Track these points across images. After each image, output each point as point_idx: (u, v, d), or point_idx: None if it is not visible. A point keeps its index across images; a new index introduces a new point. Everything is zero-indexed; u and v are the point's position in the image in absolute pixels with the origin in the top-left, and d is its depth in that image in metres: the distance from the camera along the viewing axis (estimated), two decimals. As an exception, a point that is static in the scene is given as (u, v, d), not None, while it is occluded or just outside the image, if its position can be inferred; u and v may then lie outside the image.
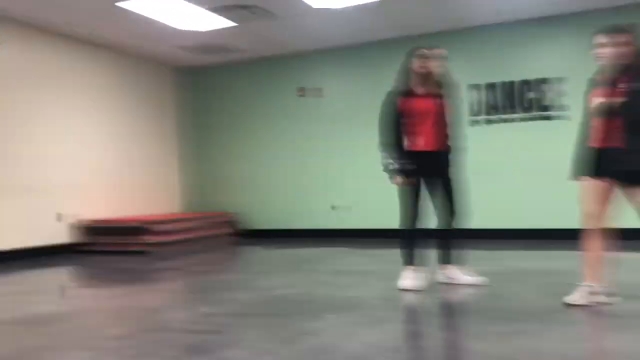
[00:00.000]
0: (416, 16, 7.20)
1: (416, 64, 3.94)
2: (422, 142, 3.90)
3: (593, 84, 3.23)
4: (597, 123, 3.12)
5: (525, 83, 7.41)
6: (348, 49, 8.40)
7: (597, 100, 3.09)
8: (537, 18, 7.31)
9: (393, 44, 8.07)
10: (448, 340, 2.55)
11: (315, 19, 7.17)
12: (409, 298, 3.61)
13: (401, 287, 3.78)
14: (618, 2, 6.81)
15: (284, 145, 8.84)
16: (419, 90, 3.95)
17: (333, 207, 8.45)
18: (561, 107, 7.16)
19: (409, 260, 3.89)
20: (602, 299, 3.06)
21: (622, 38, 3.09)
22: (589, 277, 3.15)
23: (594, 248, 3.17)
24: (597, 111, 3.09)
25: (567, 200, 6.96)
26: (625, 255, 5.11)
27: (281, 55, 8.79)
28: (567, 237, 6.92)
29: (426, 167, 3.89)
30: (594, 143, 3.13)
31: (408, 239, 3.92)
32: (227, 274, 5.15)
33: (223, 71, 9.26)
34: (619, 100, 3.02)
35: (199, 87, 9.46)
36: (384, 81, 8.21)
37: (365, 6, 6.66)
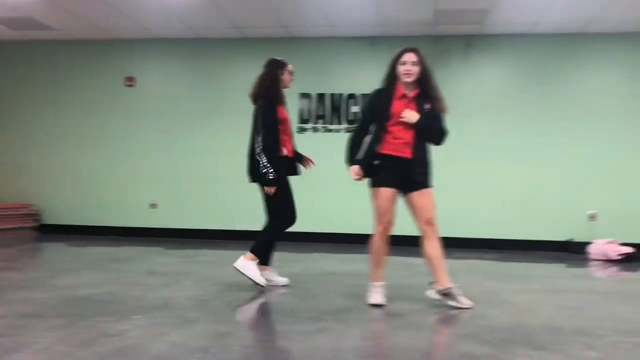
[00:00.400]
0: (250, 19, 7.28)
1: (287, 78, 4.19)
2: (287, 148, 4.19)
3: (386, 95, 3.49)
4: (393, 132, 3.42)
5: (351, 97, 7.88)
6: (177, 42, 8.18)
7: (407, 112, 3.39)
8: (367, 37, 7.82)
9: (228, 43, 8.06)
10: (255, 340, 2.58)
11: (146, 7, 6.89)
12: (220, 299, 3.59)
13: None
14: (435, 31, 7.57)
15: (98, 136, 8.29)
16: (282, 100, 4.22)
17: (152, 206, 8.12)
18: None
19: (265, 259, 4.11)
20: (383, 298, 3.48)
21: (421, 58, 3.47)
22: (377, 277, 3.54)
23: (381, 250, 3.54)
24: (399, 122, 3.40)
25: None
26: (401, 260, 5.66)
27: (105, 41, 8.25)
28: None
29: (288, 171, 4.18)
30: (386, 150, 3.43)
31: (274, 239, 4.16)
32: (23, 272, 4.64)
33: (33, 48, 8.44)
34: (416, 115, 3.38)
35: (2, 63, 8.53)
36: (213, 79, 8.20)
37: (199, 1, 6.59)
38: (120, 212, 8.16)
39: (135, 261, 5.40)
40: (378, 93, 3.58)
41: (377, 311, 3.29)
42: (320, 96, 7.92)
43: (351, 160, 3.58)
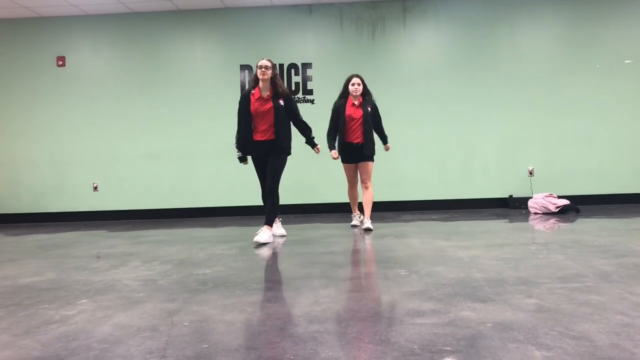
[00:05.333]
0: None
1: (258, 72, 4.99)
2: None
3: (341, 103, 5.73)
4: (350, 127, 5.69)
5: (293, 66, 7.80)
6: (109, 18, 7.85)
7: (354, 113, 5.68)
8: (305, 5, 7.73)
9: (161, 17, 7.78)
10: (206, 315, 2.57)
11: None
12: (171, 277, 3.55)
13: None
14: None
15: (30, 119, 7.94)
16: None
17: (95, 188, 7.88)
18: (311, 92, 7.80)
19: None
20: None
21: (362, 80, 5.73)
22: (354, 210, 6.12)
23: (352, 196, 6.04)
24: (352, 121, 5.68)
25: (329, 176, 7.61)
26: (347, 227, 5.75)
27: (32, 19, 7.83)
28: (322, 211, 7.55)
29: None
30: (348, 139, 5.71)
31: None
32: (-40, 265, 4.44)
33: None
34: (360, 115, 5.68)
35: None
36: (147, 54, 7.92)
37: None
38: (59, 197, 7.88)
39: (78, 246, 5.25)
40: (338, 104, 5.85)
41: (327, 277, 3.33)
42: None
43: (332, 146, 5.74)
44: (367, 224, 5.61)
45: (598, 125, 7.61)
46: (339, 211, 7.45)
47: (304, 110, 7.77)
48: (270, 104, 4.97)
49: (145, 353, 2.07)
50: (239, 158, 5.25)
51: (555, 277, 3.11)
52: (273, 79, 4.96)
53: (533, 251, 4.06)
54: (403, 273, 3.39)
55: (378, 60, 7.70)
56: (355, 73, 5.82)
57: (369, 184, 5.73)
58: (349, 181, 5.93)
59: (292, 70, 7.76)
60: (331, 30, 7.72)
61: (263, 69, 4.90)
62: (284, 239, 5.22)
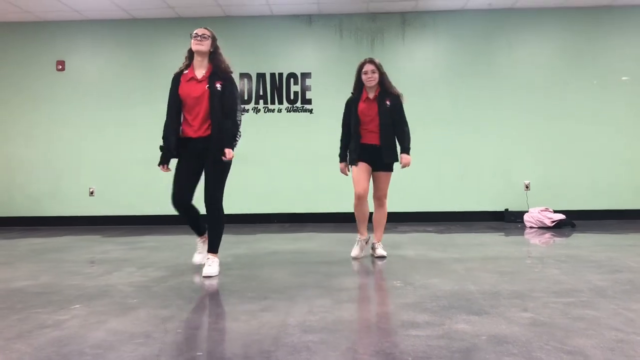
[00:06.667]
0: (186, -2, 7.09)
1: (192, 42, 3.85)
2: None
3: (354, 98, 4.47)
4: (365, 128, 4.39)
5: (292, 76, 7.83)
6: (109, 23, 7.88)
7: (367, 109, 4.38)
8: (304, 15, 7.78)
9: (162, 24, 7.81)
10: (199, 322, 2.56)
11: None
12: (165, 284, 3.53)
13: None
14: (360, 8, 7.60)
15: (29, 123, 7.93)
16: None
17: (90, 194, 7.85)
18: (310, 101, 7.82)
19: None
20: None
21: (377, 67, 4.38)
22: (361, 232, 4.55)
23: (362, 211, 4.48)
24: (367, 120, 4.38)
25: (323, 186, 7.62)
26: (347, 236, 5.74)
27: (33, 23, 7.86)
28: (321, 220, 7.56)
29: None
30: (364, 140, 4.40)
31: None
32: (-47, 268, 4.41)
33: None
34: (376, 111, 4.36)
35: None
36: (147, 61, 7.94)
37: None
38: (54, 202, 7.86)
39: (73, 251, 5.23)
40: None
41: (322, 287, 3.32)
42: (260, 76, 7.84)
43: (341, 157, 4.57)
44: (381, 250, 4.49)
45: (595, 140, 7.64)
46: (334, 221, 7.45)
47: (302, 119, 7.85)
48: (204, 87, 3.73)
49: (138, 359, 2.06)
50: (160, 161, 3.89)
51: (550, 292, 3.11)
52: (213, 54, 3.82)
53: (528, 265, 4.06)
54: (398, 284, 3.38)
55: (377, 72, 7.73)
56: (369, 57, 4.50)
57: (384, 201, 4.52)
58: (358, 189, 4.34)
59: (292, 80, 7.79)
60: (331, 40, 7.76)
61: (199, 38, 3.76)
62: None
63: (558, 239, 5.75)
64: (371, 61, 4.38)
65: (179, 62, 3.96)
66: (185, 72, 3.81)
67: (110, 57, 7.88)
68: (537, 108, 7.68)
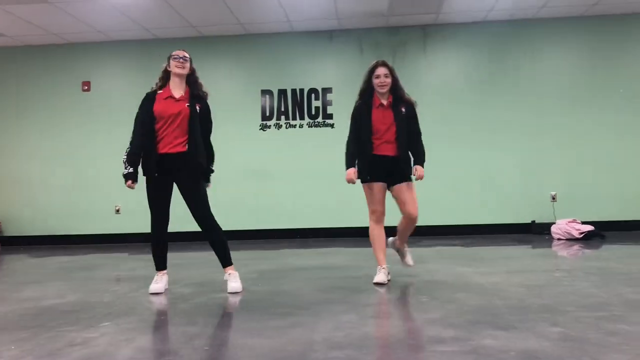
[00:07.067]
0: (205, 17, 7.21)
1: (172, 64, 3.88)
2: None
3: (363, 104, 4.02)
4: (379, 137, 3.93)
5: (313, 91, 7.89)
6: (133, 44, 8.04)
7: (382, 118, 3.94)
8: (325, 31, 7.84)
9: (184, 43, 7.93)
10: (227, 339, 2.56)
11: (99, 10, 6.76)
12: (191, 301, 3.55)
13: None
14: (378, 23, 7.62)
15: (56, 143, 8.10)
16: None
17: (117, 211, 7.97)
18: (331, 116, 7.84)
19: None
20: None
21: (390, 70, 3.98)
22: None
23: (379, 236, 3.99)
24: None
25: (346, 201, 7.62)
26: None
27: (58, 46, 8.06)
28: (344, 235, 7.54)
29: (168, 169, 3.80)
30: (376, 151, 3.93)
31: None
32: (-15, 286, 4.51)
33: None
34: (392, 120, 3.94)
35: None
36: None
37: (152, 1, 6.48)
38: (82, 220, 7.99)
39: (101, 268, 5.30)
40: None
41: (348, 302, 3.31)
42: (282, 92, 7.90)
43: (349, 163, 4.04)
44: (410, 258, 4.24)
45: (622, 149, 7.50)
46: (356, 235, 7.42)
47: (324, 134, 7.87)
48: (183, 106, 3.78)
49: (166, 377, 2.07)
50: (126, 175, 3.88)
51: (580, 305, 3.04)
52: (191, 76, 3.90)
53: (557, 278, 3.99)
54: (424, 299, 3.35)
55: (398, 85, 7.75)
56: (381, 60, 4.09)
57: (416, 214, 4.03)
58: (373, 212, 3.98)
59: (312, 95, 7.84)
60: (351, 55, 7.79)
61: (181, 60, 3.82)
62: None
63: (587, 251, 5.64)
64: (384, 64, 4.00)
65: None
66: (160, 92, 3.86)
67: (134, 77, 8.02)
68: (562, 118, 7.58)
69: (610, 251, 5.50)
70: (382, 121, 3.95)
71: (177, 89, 3.85)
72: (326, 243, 6.93)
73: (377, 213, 3.96)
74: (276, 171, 7.77)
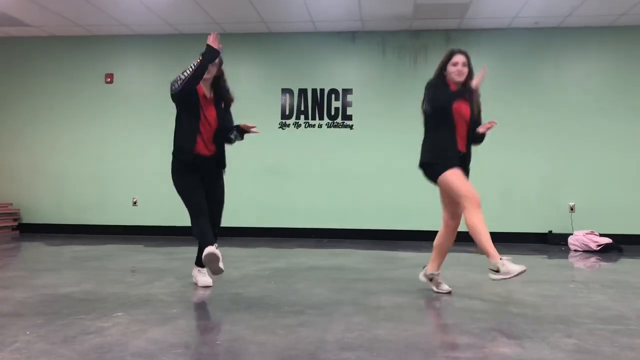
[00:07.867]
0: (230, 14, 7.25)
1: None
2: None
3: (452, 95, 3.63)
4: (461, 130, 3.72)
5: (333, 92, 7.88)
6: (156, 38, 8.11)
7: (462, 109, 3.62)
8: (348, 32, 7.84)
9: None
10: (237, 334, 2.57)
11: (125, 3, 6.83)
12: (202, 294, 3.57)
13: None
14: (401, 26, 7.59)
15: (78, 134, 8.19)
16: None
17: (134, 204, 8.04)
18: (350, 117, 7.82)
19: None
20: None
21: (469, 60, 3.71)
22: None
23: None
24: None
25: (362, 202, 7.61)
26: (384, 254, 5.70)
27: (83, 37, 8.17)
28: (358, 237, 7.52)
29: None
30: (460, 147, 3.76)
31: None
32: (1, 271, 4.58)
33: (15, 46, 8.30)
34: (469, 114, 3.67)
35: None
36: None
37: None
38: (100, 211, 8.07)
39: (116, 259, 5.35)
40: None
41: (359, 304, 3.30)
42: (302, 91, 7.91)
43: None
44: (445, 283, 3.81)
45: (644, 163, 7.39)
46: (371, 237, 7.41)
47: (342, 135, 7.86)
48: (214, 108, 3.81)
49: (177, 369, 2.09)
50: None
51: (595, 318, 3.00)
52: (220, 78, 3.92)
53: (572, 289, 3.94)
54: (438, 305, 3.33)
55: (418, 87, 7.64)
56: (458, 47, 3.81)
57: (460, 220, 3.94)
58: (474, 194, 3.72)
59: (333, 96, 7.83)
60: (373, 57, 7.77)
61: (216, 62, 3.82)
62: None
63: (604, 264, 5.56)
64: (462, 52, 3.70)
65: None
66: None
67: (157, 71, 8.09)
68: (584, 129, 7.49)
69: (627, 265, 5.42)
70: (462, 114, 3.73)
71: (207, 88, 3.90)
72: (340, 244, 6.92)
73: (471, 202, 3.62)
74: (293, 170, 7.79)
